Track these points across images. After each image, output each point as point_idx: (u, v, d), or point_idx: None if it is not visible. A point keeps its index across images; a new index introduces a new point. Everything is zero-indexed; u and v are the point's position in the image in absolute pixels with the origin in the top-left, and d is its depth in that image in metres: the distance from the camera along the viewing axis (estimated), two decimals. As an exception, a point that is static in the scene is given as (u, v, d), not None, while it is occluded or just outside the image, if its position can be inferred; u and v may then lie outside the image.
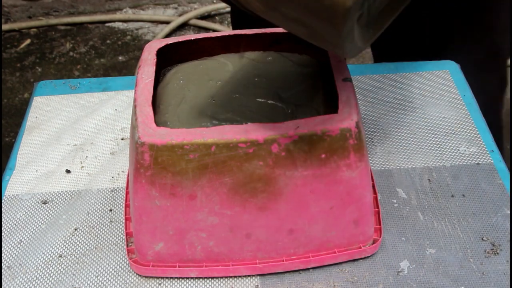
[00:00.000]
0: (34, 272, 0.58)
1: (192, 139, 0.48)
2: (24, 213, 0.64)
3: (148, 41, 1.90)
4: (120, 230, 0.62)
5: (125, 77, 0.82)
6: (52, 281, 0.57)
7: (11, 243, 0.61)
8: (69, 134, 0.73)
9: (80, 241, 0.61)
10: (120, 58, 1.85)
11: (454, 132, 0.71)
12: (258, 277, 0.57)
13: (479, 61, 0.83)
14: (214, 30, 1.96)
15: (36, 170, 0.69)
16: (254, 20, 0.65)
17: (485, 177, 0.65)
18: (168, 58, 0.62)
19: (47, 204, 0.65)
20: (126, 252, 0.57)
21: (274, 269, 0.56)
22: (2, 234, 0.62)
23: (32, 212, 0.64)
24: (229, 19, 2.14)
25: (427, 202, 0.63)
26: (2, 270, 0.58)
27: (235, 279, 0.57)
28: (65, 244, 0.60)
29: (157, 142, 0.48)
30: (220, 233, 0.53)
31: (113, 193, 0.66)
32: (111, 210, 0.64)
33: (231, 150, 0.48)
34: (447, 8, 0.81)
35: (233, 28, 0.94)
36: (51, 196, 0.66)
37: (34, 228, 0.62)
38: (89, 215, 0.63)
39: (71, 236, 0.61)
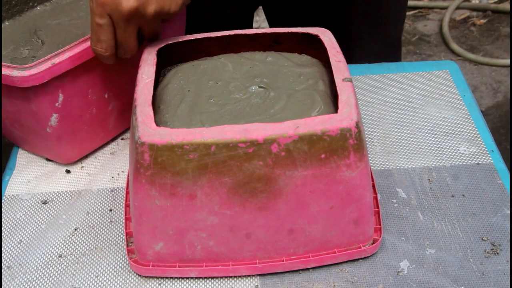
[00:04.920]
0: (34, 272, 0.58)
1: (192, 139, 0.48)
2: (24, 213, 0.64)
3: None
4: (120, 230, 0.62)
5: (125, 77, 0.82)
6: (52, 281, 0.57)
7: (11, 243, 0.61)
8: (69, 134, 0.73)
9: (80, 241, 0.61)
10: (120, 58, 1.85)
11: (454, 132, 0.71)
12: (258, 277, 0.57)
13: (377, 53, 0.87)
14: (214, 30, 1.96)
15: (36, 170, 0.69)
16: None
17: (485, 177, 0.65)
18: (168, 58, 0.62)
19: (47, 204, 0.65)
20: (126, 252, 0.57)
21: (274, 269, 0.56)
22: (2, 234, 0.62)
23: (32, 212, 0.64)
24: (229, 19, 2.15)
25: (427, 202, 0.63)
26: (2, 270, 0.58)
27: (235, 279, 0.56)
28: (65, 244, 0.60)
29: (157, 142, 0.48)
30: (220, 233, 0.53)
31: (113, 193, 0.66)
32: (111, 210, 0.64)
33: (230, 150, 0.48)
34: (345, 4, 0.85)
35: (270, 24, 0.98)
36: (51, 196, 0.66)
37: (34, 228, 0.62)
38: (89, 215, 0.63)
39: (71, 236, 0.61)
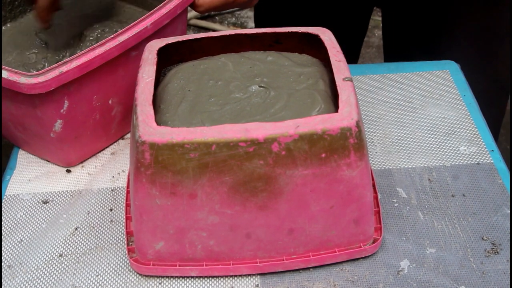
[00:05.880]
0: (34, 272, 0.58)
1: (192, 138, 0.48)
2: (24, 212, 0.64)
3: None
4: (120, 230, 0.62)
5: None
6: (52, 281, 0.57)
7: (11, 242, 0.61)
8: (69, 134, 0.73)
9: (81, 240, 0.61)
10: (120, 58, 1.85)
11: (454, 132, 0.71)
12: (259, 276, 0.57)
13: (482, 91, 0.82)
14: (214, 30, 1.96)
15: (37, 170, 0.69)
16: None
17: (485, 176, 0.65)
18: (169, 57, 0.62)
19: (47, 204, 0.65)
20: (126, 251, 0.57)
21: (275, 268, 0.56)
22: (3, 233, 0.62)
23: (33, 211, 0.64)
24: (229, 19, 2.15)
25: (427, 202, 0.63)
26: (3, 269, 0.58)
27: (236, 278, 0.57)
28: (65, 243, 0.60)
29: (158, 141, 0.48)
30: (220, 232, 0.53)
31: (113, 192, 0.66)
32: (111, 210, 0.64)
33: (231, 149, 0.48)
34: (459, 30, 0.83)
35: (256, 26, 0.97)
36: (51, 195, 0.66)
37: (35, 227, 0.62)
38: (90, 214, 0.63)
39: (71, 235, 0.61)
